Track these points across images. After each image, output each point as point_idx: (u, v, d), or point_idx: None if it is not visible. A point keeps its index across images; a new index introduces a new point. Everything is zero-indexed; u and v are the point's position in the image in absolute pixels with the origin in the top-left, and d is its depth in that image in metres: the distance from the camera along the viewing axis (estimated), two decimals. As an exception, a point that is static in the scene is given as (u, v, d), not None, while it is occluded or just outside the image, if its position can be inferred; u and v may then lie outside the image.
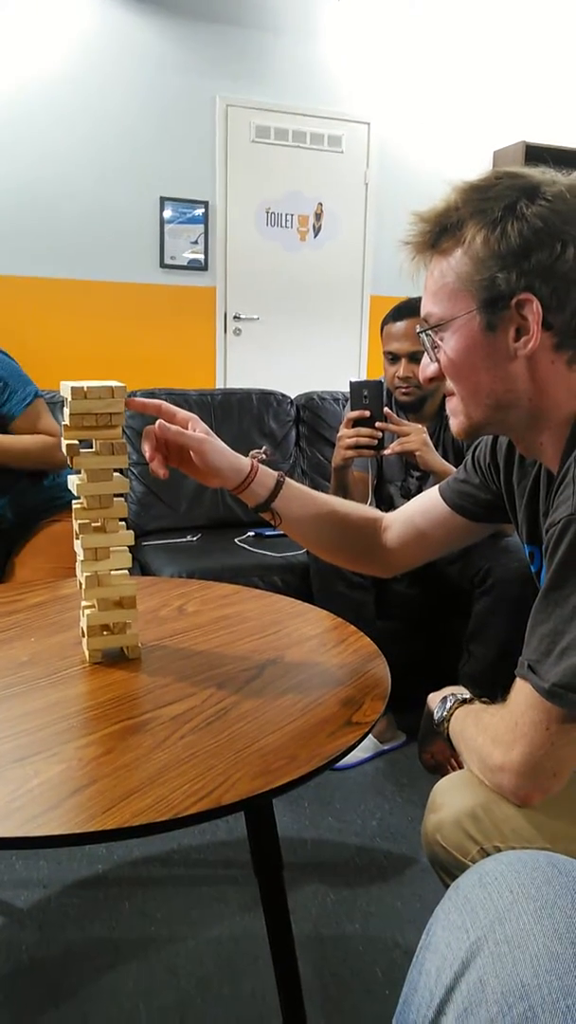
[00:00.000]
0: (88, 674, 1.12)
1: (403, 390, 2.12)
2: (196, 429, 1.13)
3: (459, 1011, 0.52)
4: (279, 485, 1.15)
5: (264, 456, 2.06)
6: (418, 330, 0.98)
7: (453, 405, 0.97)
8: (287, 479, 1.17)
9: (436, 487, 1.22)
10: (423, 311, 0.96)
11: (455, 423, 0.98)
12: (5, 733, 0.95)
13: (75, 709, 1.03)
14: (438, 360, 0.95)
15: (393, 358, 2.12)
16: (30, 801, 0.81)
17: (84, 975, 1.39)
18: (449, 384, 0.96)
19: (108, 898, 1.59)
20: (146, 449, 1.10)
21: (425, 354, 0.98)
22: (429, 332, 0.95)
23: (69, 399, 1.08)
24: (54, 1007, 1.32)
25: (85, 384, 1.09)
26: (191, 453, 1.12)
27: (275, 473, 1.16)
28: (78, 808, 0.80)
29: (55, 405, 2.52)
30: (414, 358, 2.08)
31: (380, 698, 1.07)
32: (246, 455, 1.21)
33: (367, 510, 1.24)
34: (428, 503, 1.21)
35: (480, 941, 0.54)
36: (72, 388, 1.08)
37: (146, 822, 0.78)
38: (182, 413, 1.14)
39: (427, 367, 0.97)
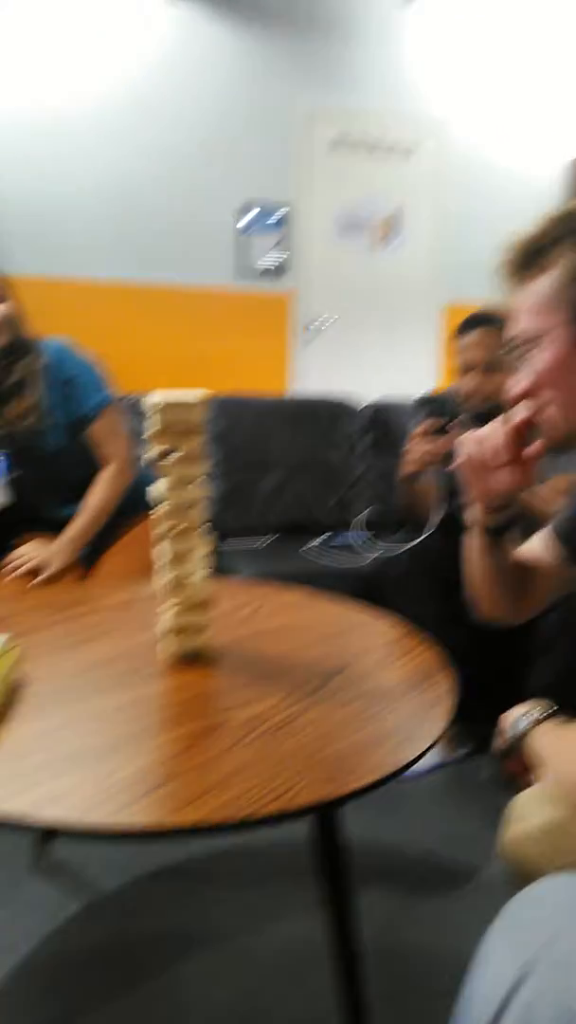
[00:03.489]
0: (168, 673, 1.17)
1: (475, 401, 2.12)
2: None
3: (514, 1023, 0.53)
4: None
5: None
6: (510, 348, 1.00)
7: (547, 417, 0.99)
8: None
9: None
10: (515, 331, 0.99)
11: (549, 434, 1.00)
12: (91, 728, 1.01)
13: (157, 705, 1.08)
14: (530, 376, 0.98)
15: (466, 369, 2.12)
16: (113, 795, 0.86)
17: (156, 960, 1.44)
18: (540, 399, 0.98)
19: (184, 888, 1.64)
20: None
21: (516, 372, 1.00)
22: (520, 349, 0.98)
23: (154, 410, 1.13)
24: (128, 988, 1.38)
25: (170, 395, 1.14)
26: None
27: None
28: (157, 804, 0.85)
29: (130, 409, 2.59)
30: (487, 369, 2.08)
31: (446, 711, 1.09)
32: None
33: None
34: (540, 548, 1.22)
35: (532, 962, 0.55)
36: (156, 399, 1.13)
37: (220, 821, 0.82)
38: None
39: (517, 384, 1.00)
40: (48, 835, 1.65)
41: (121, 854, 1.71)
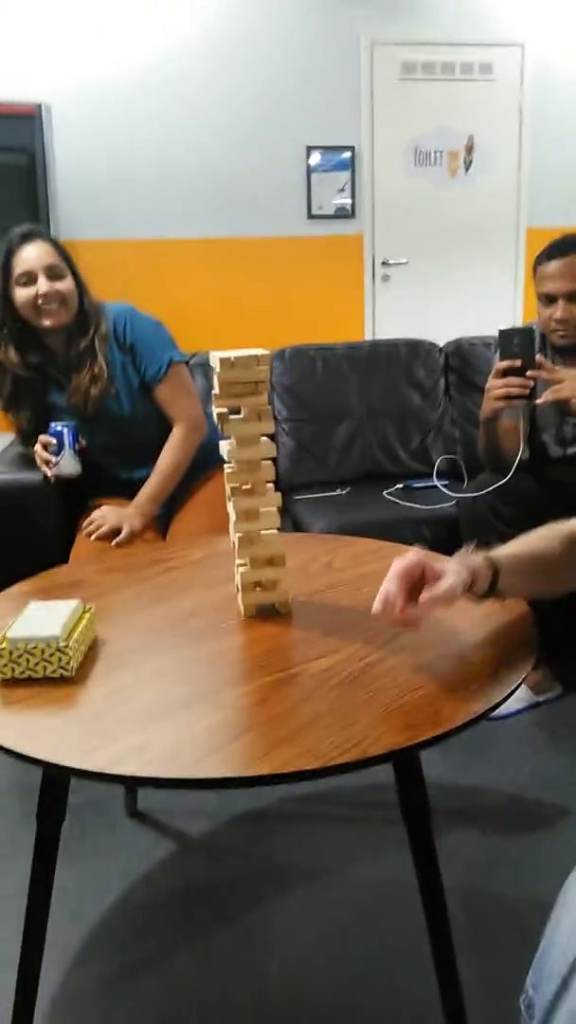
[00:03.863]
0: (243, 627, 1.20)
1: (560, 333, 2.04)
2: (444, 580, 1.01)
3: None
4: (496, 570, 1.06)
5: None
6: None
7: None
8: (496, 558, 1.07)
9: None
10: None
11: None
12: (173, 680, 1.04)
13: (232, 659, 1.10)
14: None
15: (549, 299, 2.03)
16: (194, 744, 0.89)
17: (247, 901, 1.50)
18: None
19: (270, 831, 1.70)
20: (393, 591, 0.98)
21: None
22: None
23: (217, 369, 1.13)
24: (221, 927, 1.45)
25: (232, 354, 1.14)
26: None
27: (484, 560, 1.06)
28: (236, 753, 0.87)
29: (201, 367, 2.60)
30: (573, 298, 1.99)
31: (527, 654, 1.07)
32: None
33: (559, 533, 1.14)
34: None
35: None
36: (220, 358, 1.14)
37: (296, 769, 0.84)
38: (436, 568, 1.02)
39: None
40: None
41: (208, 799, 1.78)
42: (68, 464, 1.95)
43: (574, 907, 0.59)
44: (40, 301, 1.86)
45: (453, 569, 1.01)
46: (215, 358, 1.14)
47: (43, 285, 1.85)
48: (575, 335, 2.03)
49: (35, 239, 1.88)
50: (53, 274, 1.87)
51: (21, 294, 1.87)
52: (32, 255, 1.86)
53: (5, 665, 1.03)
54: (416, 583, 1.00)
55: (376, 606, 0.98)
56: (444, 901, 1.13)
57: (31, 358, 1.95)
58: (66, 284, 1.89)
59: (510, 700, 1.05)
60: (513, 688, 1.00)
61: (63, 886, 1.39)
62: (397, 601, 0.97)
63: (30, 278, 1.86)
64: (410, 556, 1.01)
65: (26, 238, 1.87)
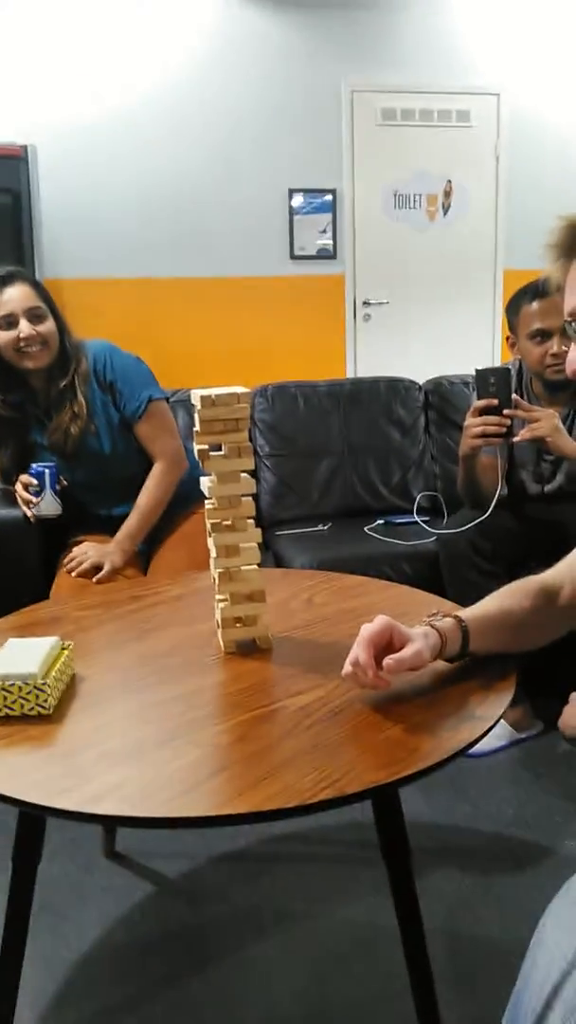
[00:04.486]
0: (223, 664, 1.19)
1: (556, 367, 2.07)
2: (412, 645, 1.03)
3: (566, 1011, 0.53)
4: (465, 633, 1.08)
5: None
6: (567, 320, 0.98)
7: None
8: (465, 620, 1.09)
9: None
10: (567, 307, 0.97)
11: None
12: (149, 717, 1.04)
13: (211, 696, 1.10)
14: None
15: (544, 335, 2.07)
16: (171, 783, 0.88)
17: (226, 945, 1.48)
18: None
19: (249, 872, 1.67)
20: (362, 657, 1.00)
21: (573, 346, 0.98)
22: None
23: (199, 407, 1.15)
24: (198, 972, 1.42)
25: (213, 391, 1.15)
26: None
27: (453, 622, 1.08)
28: (213, 792, 0.87)
29: (183, 404, 2.61)
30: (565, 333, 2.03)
31: (506, 692, 1.08)
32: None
33: (527, 589, 1.14)
34: None
35: None
36: (201, 396, 1.15)
37: (274, 808, 0.83)
38: (404, 633, 1.04)
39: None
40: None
41: (186, 840, 1.75)
42: (48, 505, 1.96)
43: (550, 944, 0.59)
44: (22, 344, 1.88)
45: (421, 633, 1.04)
46: (196, 396, 1.16)
47: (24, 328, 1.87)
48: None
49: (16, 281, 1.89)
50: (34, 316, 1.88)
51: (2, 336, 1.88)
52: (13, 298, 1.87)
53: (-18, 703, 1.02)
54: (384, 647, 1.02)
55: (345, 670, 1.02)
56: (424, 943, 1.12)
57: (12, 397, 1.96)
58: (47, 326, 1.90)
59: (491, 737, 1.05)
60: (492, 725, 1.00)
61: (38, 928, 1.37)
62: (366, 667, 0.99)
63: (11, 321, 1.87)
64: (378, 621, 1.03)
65: (6, 280, 1.88)
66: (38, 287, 1.94)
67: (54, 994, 1.38)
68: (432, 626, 1.06)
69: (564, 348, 2.01)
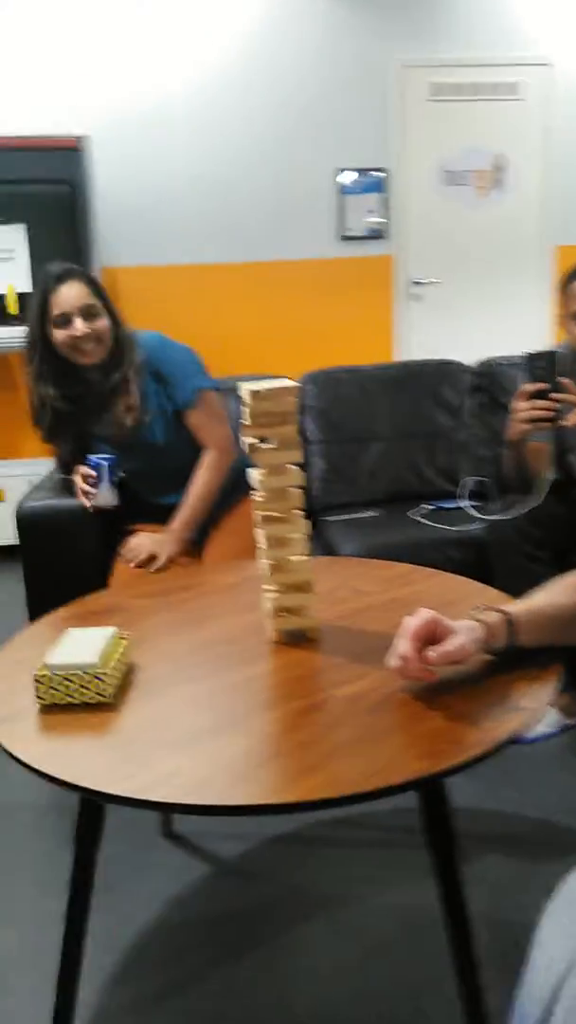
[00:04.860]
0: (272, 653, 1.23)
1: None
2: (456, 638, 1.05)
3: (565, 1015, 0.54)
4: (512, 627, 1.09)
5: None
6: None
7: None
8: (512, 614, 1.09)
9: None
10: None
11: None
12: (204, 706, 1.07)
13: (261, 686, 1.13)
14: None
15: None
16: (224, 771, 0.92)
17: (276, 926, 1.52)
18: None
19: (300, 854, 1.72)
20: (407, 650, 1.03)
21: None
22: None
23: (248, 401, 1.17)
24: (249, 952, 1.46)
25: (262, 386, 1.18)
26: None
27: (500, 616, 1.09)
28: (265, 780, 0.90)
29: (234, 392, 2.64)
30: None
31: (552, 681, 1.09)
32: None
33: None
34: None
35: None
36: (250, 390, 1.17)
37: (321, 797, 0.86)
38: (448, 625, 1.06)
39: None
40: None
41: (240, 822, 1.80)
42: (106, 496, 2.01)
43: (547, 948, 0.60)
44: (76, 341, 1.92)
45: (466, 626, 1.06)
46: (245, 390, 1.18)
47: (79, 326, 1.91)
48: None
49: (70, 279, 1.92)
50: (89, 314, 1.92)
51: (58, 334, 1.92)
52: (68, 296, 1.91)
53: (45, 691, 1.07)
54: (429, 640, 1.04)
55: (391, 662, 1.04)
56: (468, 928, 1.14)
57: (69, 392, 2.01)
58: (101, 323, 1.94)
59: (539, 723, 1.06)
60: (540, 712, 1.01)
61: (98, 906, 1.43)
62: (411, 659, 1.02)
63: (66, 319, 1.91)
64: (422, 614, 1.05)
65: (61, 279, 1.92)
66: (92, 284, 1.97)
67: (111, 971, 1.44)
68: (478, 619, 1.07)
69: None
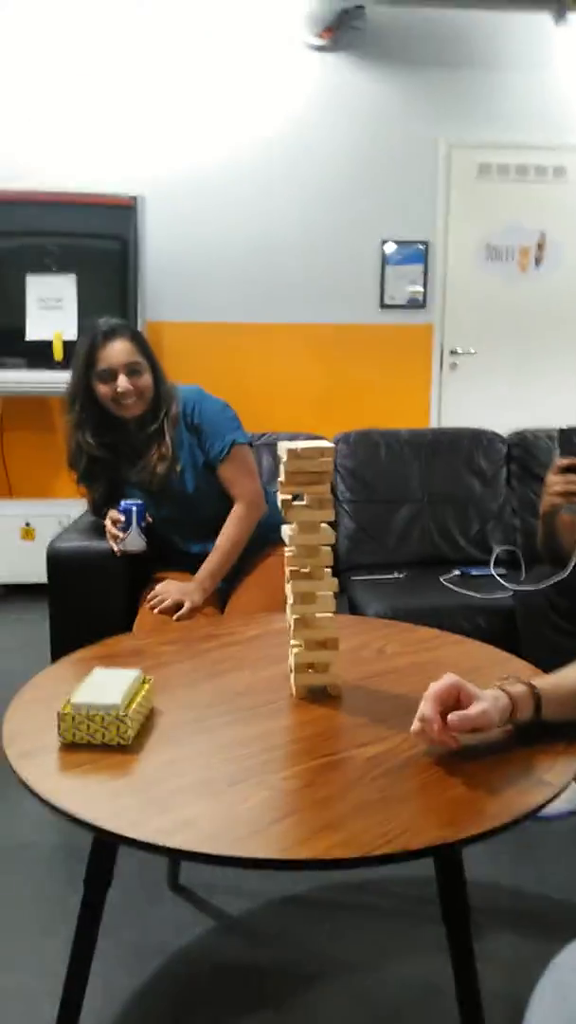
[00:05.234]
0: (294, 708, 1.23)
1: None
2: (479, 704, 1.05)
3: None
4: (538, 700, 1.09)
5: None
6: None
7: None
8: (538, 687, 1.10)
9: None
10: None
11: None
12: (222, 757, 1.07)
13: (281, 740, 1.13)
14: None
15: None
16: (238, 823, 0.92)
17: (281, 988, 1.48)
18: None
19: (308, 917, 1.68)
20: (429, 713, 1.04)
21: None
22: None
23: (284, 459, 1.20)
24: (253, 1012, 1.43)
25: (299, 445, 1.21)
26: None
27: (527, 688, 1.10)
28: (279, 835, 0.90)
29: (268, 447, 2.70)
30: None
31: (574, 758, 1.08)
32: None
33: None
34: None
35: None
36: (288, 449, 1.20)
37: (337, 857, 0.86)
38: (471, 691, 1.06)
39: None
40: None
41: (249, 879, 1.77)
42: (134, 541, 2.04)
43: None
44: (119, 396, 1.98)
45: (491, 695, 1.06)
46: (283, 448, 1.21)
47: (123, 383, 1.97)
48: None
49: (118, 336, 1.99)
50: (132, 371, 1.98)
51: (102, 388, 1.99)
52: (114, 352, 1.97)
53: (67, 729, 1.08)
54: (452, 706, 1.04)
55: (414, 727, 1.05)
56: (480, 1005, 1.11)
57: (106, 440, 2.06)
58: (144, 380, 2.00)
59: (560, 800, 1.05)
60: (561, 788, 1.00)
61: (100, 954, 1.40)
62: (432, 722, 1.02)
63: (111, 374, 1.97)
64: (446, 679, 1.05)
65: (108, 335, 1.99)
66: (138, 341, 2.03)
67: (111, 1021, 1.41)
68: (503, 689, 1.07)
69: None
